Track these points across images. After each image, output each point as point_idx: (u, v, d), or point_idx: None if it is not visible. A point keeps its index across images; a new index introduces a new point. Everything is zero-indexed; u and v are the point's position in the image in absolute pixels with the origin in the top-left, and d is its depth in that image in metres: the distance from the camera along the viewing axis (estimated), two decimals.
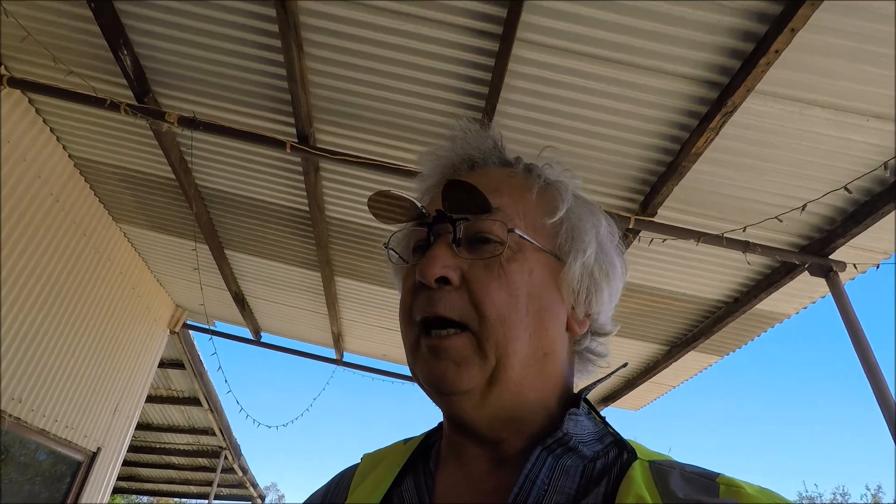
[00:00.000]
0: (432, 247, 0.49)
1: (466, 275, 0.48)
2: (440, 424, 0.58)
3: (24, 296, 3.59)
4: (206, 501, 9.03)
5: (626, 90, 2.42)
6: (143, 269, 5.08)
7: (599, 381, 0.55)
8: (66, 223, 3.89)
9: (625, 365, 0.71)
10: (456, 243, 0.49)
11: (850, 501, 24.15)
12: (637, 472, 0.43)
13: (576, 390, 0.55)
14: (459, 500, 0.48)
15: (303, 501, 0.61)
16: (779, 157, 2.56)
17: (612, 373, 0.59)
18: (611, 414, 6.22)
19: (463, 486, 0.49)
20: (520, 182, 0.55)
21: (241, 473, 9.49)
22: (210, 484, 8.98)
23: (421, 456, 0.56)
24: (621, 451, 0.48)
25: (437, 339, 0.47)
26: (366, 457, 0.61)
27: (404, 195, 0.53)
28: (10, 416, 3.59)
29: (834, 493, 25.31)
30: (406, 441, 0.60)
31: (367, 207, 0.59)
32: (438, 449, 0.55)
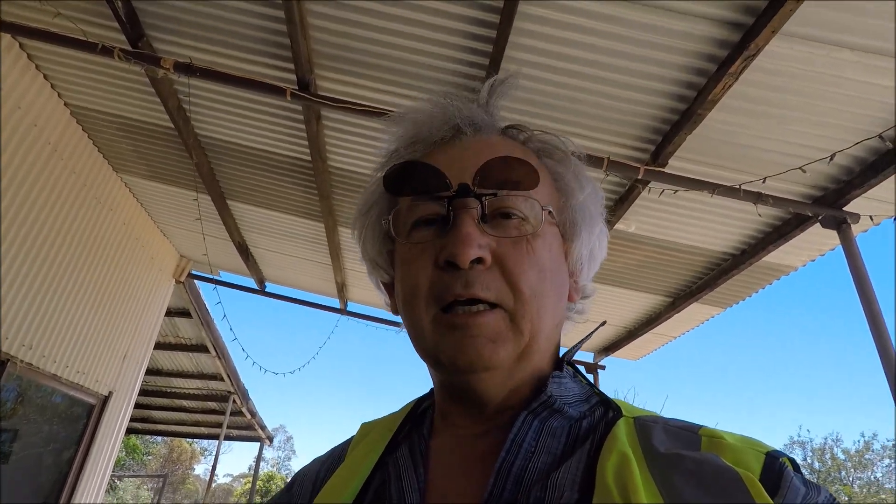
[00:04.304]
0: (460, 224, 0.47)
1: (496, 252, 0.47)
2: (431, 391, 0.59)
3: (28, 246, 3.58)
4: (217, 442, 9.40)
5: (640, 32, 2.29)
6: (146, 219, 5.05)
7: (580, 343, 0.57)
8: (66, 173, 3.83)
9: (603, 323, 0.76)
10: (483, 220, 0.48)
11: (841, 446, 25.16)
12: (621, 429, 0.44)
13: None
14: (451, 464, 0.49)
15: (302, 468, 0.62)
16: (800, 104, 2.46)
17: (591, 333, 0.61)
18: (610, 363, 6.35)
19: (455, 451, 0.50)
20: (534, 159, 0.54)
21: (249, 416, 9.83)
22: (220, 426, 9.31)
23: (415, 421, 0.56)
24: (607, 410, 0.49)
25: (467, 316, 0.46)
26: (363, 425, 0.61)
27: (432, 164, 0.49)
28: (22, 361, 3.66)
29: (826, 439, 26.34)
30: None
31: (376, 169, 0.58)
32: (432, 415, 0.56)
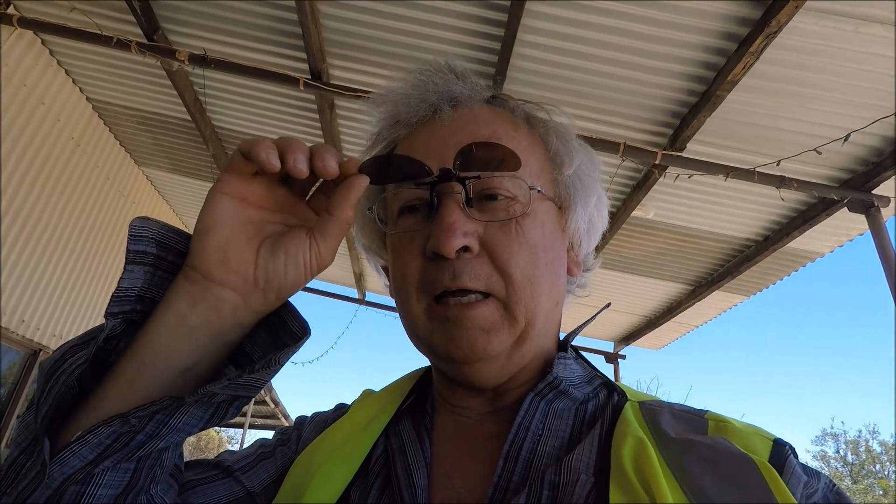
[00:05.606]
0: (443, 211, 0.44)
1: (483, 238, 0.45)
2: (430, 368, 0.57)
3: (56, 240, 3.69)
4: (242, 430, 9.61)
5: (657, 12, 2.23)
6: (169, 211, 5.15)
7: (583, 325, 0.55)
8: (90, 167, 3.92)
9: (608, 305, 0.71)
10: (468, 204, 0.45)
11: (878, 438, 24.48)
12: (630, 413, 0.44)
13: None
14: (457, 444, 0.48)
15: (309, 415, 0.60)
16: (825, 82, 2.37)
17: (594, 316, 0.59)
18: (631, 353, 6.27)
19: (459, 431, 0.49)
20: (525, 130, 0.52)
21: (272, 405, 10.03)
22: (244, 414, 9.51)
23: (419, 395, 0.55)
24: (611, 393, 0.48)
25: (459, 308, 0.44)
26: (366, 390, 0.60)
27: (408, 155, 0.47)
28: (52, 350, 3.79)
29: (860, 431, 25.66)
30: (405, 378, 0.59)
31: (363, 152, 0.56)
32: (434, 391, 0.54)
